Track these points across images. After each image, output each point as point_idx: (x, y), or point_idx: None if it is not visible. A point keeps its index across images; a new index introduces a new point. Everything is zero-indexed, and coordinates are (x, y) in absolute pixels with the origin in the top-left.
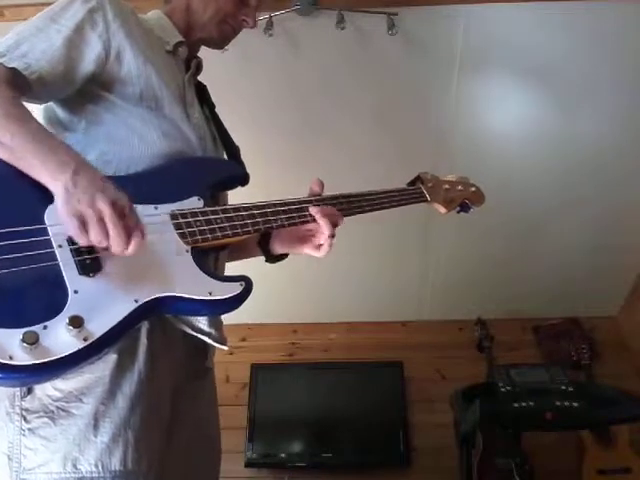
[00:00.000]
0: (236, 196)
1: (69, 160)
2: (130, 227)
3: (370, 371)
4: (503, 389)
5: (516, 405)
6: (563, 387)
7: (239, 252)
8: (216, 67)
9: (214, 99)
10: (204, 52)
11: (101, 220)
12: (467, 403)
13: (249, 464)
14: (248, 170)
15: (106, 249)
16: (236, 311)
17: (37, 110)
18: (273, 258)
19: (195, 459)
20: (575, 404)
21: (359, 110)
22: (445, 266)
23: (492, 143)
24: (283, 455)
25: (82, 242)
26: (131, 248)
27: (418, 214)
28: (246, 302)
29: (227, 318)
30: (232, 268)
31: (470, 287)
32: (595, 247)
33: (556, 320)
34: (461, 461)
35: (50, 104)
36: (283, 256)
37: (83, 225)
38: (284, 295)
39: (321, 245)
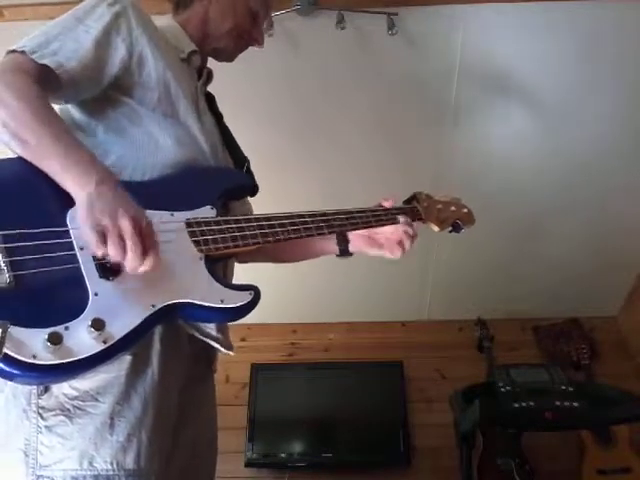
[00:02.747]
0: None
1: (93, 172)
2: (147, 246)
3: (370, 371)
4: (503, 389)
5: (516, 405)
6: (563, 387)
7: (299, 250)
8: (215, 67)
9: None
10: None
11: (121, 236)
12: (467, 403)
13: (249, 464)
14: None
15: (118, 265)
16: None
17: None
18: (346, 255)
19: (197, 459)
20: (575, 404)
21: (359, 110)
22: (445, 266)
23: (492, 143)
24: (283, 455)
25: (99, 254)
26: (143, 268)
27: None
28: None
29: None
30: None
31: (470, 287)
32: (595, 247)
33: (556, 320)
34: (461, 461)
35: (67, 107)
36: (352, 254)
37: (103, 238)
38: (284, 295)
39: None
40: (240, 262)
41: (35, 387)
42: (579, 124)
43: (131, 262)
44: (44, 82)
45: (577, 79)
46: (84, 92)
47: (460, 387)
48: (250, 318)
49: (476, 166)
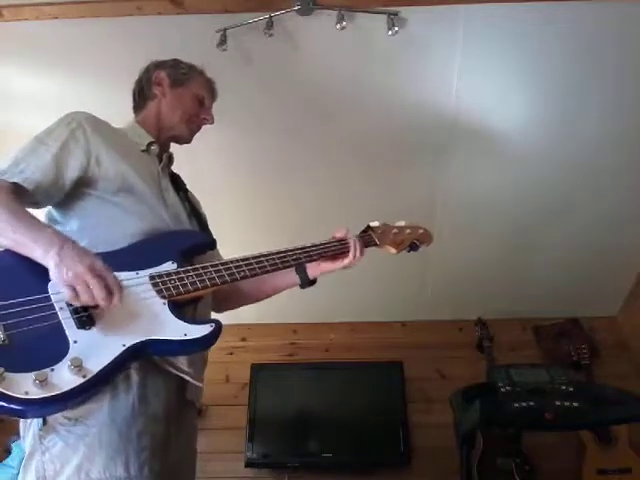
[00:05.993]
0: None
1: (55, 241)
2: (109, 284)
3: (370, 371)
4: (503, 389)
5: (516, 405)
6: (563, 387)
7: (265, 285)
8: (216, 67)
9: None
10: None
11: (86, 284)
12: (467, 403)
13: (249, 464)
14: (249, 168)
15: (96, 307)
16: (236, 311)
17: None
18: (307, 283)
19: (183, 474)
20: (575, 404)
21: (359, 109)
22: (445, 266)
23: (492, 143)
24: (283, 455)
25: (77, 304)
26: (115, 300)
27: (418, 216)
28: None
29: (227, 318)
30: None
31: (470, 287)
32: (595, 248)
33: (556, 320)
34: (461, 461)
35: (48, 209)
36: (314, 282)
37: (75, 291)
38: (284, 295)
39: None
40: (217, 311)
41: (36, 425)
42: (579, 123)
43: (101, 299)
44: (17, 194)
45: (577, 80)
46: (53, 195)
47: (460, 387)
48: (250, 318)
49: (476, 166)
